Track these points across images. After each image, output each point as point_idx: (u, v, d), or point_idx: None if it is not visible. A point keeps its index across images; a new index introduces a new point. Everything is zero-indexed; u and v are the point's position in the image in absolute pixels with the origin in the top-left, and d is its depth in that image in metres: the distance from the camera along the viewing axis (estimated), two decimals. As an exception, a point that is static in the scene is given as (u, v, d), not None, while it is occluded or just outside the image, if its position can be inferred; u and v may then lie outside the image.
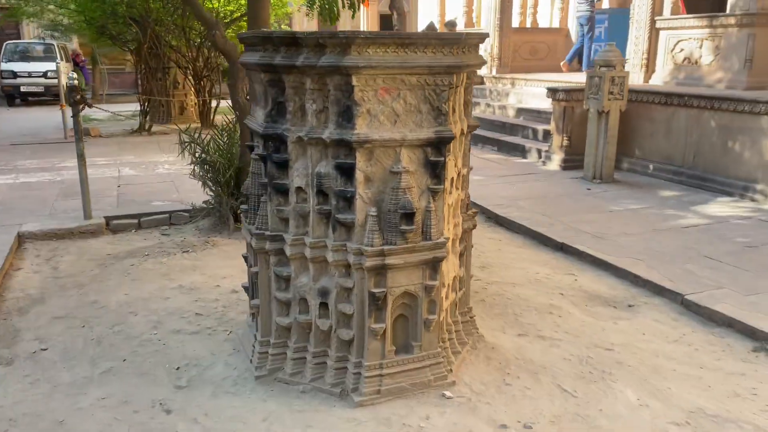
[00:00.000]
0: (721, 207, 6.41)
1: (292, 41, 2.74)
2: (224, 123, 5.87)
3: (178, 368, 3.23)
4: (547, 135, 9.33)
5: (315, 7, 6.42)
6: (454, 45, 2.79)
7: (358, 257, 2.82)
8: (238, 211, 5.60)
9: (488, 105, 11.68)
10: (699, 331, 3.74)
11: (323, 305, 2.99)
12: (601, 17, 13.19)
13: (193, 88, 12.88)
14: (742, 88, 7.50)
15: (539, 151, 9.03)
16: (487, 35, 2.74)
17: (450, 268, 3.20)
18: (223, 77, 15.42)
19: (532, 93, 10.77)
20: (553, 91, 8.43)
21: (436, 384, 3.04)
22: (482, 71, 12.89)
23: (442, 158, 2.88)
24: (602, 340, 3.59)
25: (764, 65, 7.62)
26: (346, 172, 2.78)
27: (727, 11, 7.89)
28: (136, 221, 5.76)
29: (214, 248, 5.09)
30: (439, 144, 2.86)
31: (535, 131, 9.65)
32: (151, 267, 4.67)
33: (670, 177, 7.65)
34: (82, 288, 4.31)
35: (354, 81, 2.65)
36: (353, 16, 7.05)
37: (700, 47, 8.23)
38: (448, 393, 3.00)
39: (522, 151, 9.35)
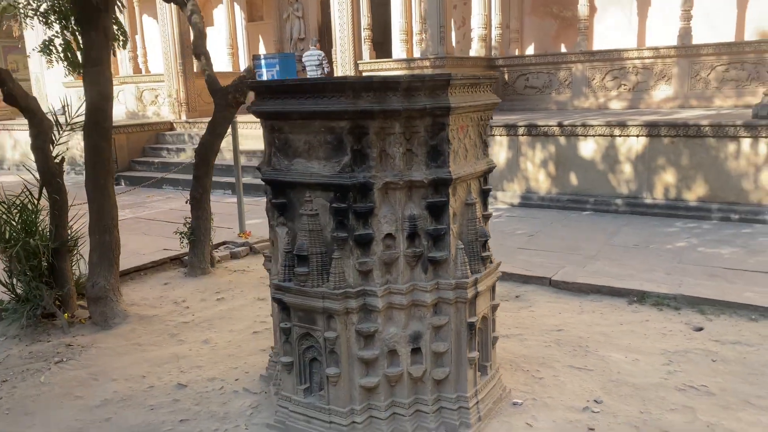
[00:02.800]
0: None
1: (381, 86, 2.65)
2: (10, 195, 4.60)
3: (253, 480, 2.67)
4: (283, 173, 9.68)
5: (53, 55, 5.55)
6: (493, 84, 3.10)
7: (457, 291, 2.87)
8: (57, 302, 4.56)
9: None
10: (584, 301, 4.74)
11: (415, 351, 2.91)
12: (273, 61, 14.15)
13: None
14: (444, 116, 9.20)
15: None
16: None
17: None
18: None
19: (247, 135, 10.88)
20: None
21: (504, 396, 3.25)
22: (170, 117, 12.45)
23: (490, 187, 3.15)
24: (544, 325, 4.27)
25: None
26: (437, 210, 2.81)
27: (420, 56, 9.59)
28: None
29: (91, 349, 4.00)
30: (488, 174, 3.12)
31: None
32: (35, 392, 3.46)
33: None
34: (-45, 449, 2.98)
35: (450, 121, 2.73)
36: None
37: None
38: (517, 400, 3.25)
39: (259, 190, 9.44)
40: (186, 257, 6.03)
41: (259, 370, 3.70)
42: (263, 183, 3.04)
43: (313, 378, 2.99)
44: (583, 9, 9.90)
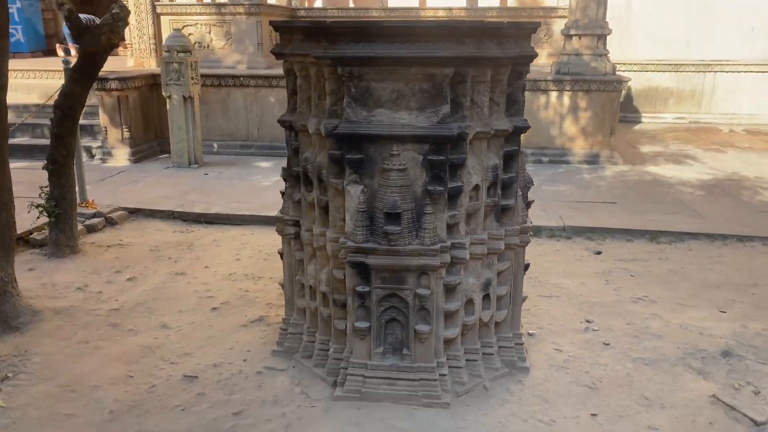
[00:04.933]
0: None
1: (483, 32, 2.58)
2: None
3: None
4: (77, 131, 8.29)
5: None
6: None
7: (521, 236, 3.01)
8: None
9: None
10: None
11: (485, 298, 2.99)
12: (11, -4, 11.73)
13: None
14: (263, 67, 8.82)
15: (88, 150, 7.99)
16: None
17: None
18: None
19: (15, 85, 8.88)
20: (102, 81, 7.59)
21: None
22: None
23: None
24: (486, 264, 4.62)
25: (270, 47, 9.14)
26: (510, 159, 2.89)
27: (231, 1, 8.92)
28: None
29: (32, 357, 3.10)
30: (516, 123, 3.28)
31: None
32: (6, 421, 2.60)
33: (239, 151, 8.40)
34: None
35: (528, 69, 2.80)
36: None
37: (210, 32, 9.00)
38: (531, 331, 3.56)
39: (58, 153, 7.96)
40: (34, 235, 4.94)
41: (260, 347, 3.36)
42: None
43: (386, 340, 2.87)
44: (381, -35, 10.24)
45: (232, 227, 5.53)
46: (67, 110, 4.54)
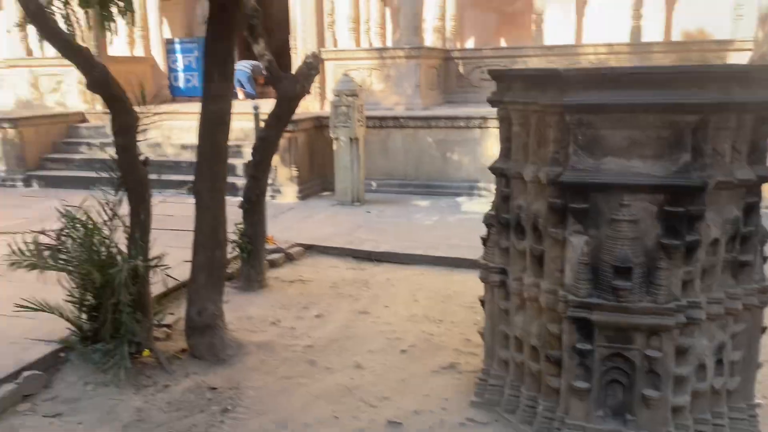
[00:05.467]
0: (469, 205, 7.64)
1: (734, 76, 2.41)
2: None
3: None
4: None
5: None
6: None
7: (760, 296, 2.73)
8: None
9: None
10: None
11: (717, 362, 2.72)
12: (190, 46, 13.00)
13: None
14: (420, 108, 8.99)
15: (259, 187, 8.52)
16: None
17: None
18: None
19: (182, 127, 9.75)
20: (275, 123, 8.09)
21: (746, 398, 3.17)
22: (81, 107, 11.00)
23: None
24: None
25: (427, 89, 9.34)
26: (750, 210, 2.64)
27: (393, 45, 9.24)
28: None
29: (246, 391, 3.28)
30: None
31: (232, 167, 8.96)
32: None
33: (396, 189, 8.54)
34: None
35: (775, 115, 2.56)
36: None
37: (370, 76, 9.34)
38: (759, 401, 3.18)
39: (234, 190, 8.57)
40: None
41: (456, 396, 3.29)
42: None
43: (606, 402, 2.69)
44: (539, 3, 10.13)
45: (401, 266, 5.57)
46: (264, 154, 4.85)
